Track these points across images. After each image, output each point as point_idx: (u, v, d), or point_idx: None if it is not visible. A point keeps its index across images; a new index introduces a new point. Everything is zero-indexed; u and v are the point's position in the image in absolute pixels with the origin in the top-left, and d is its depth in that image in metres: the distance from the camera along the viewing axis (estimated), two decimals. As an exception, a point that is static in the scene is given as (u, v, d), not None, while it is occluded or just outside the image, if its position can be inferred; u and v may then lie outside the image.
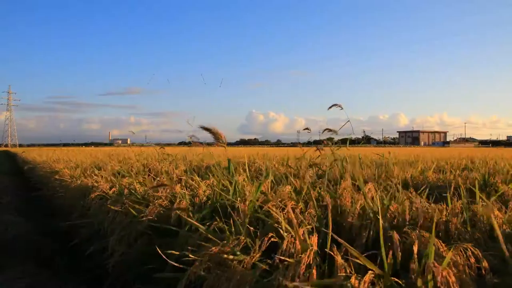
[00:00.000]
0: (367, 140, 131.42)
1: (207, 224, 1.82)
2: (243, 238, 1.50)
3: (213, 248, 1.44)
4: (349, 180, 2.68)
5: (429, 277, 1.10)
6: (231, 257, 1.38)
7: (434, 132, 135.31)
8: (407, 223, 1.87)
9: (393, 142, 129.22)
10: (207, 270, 1.42)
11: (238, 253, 1.41)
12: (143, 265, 1.95)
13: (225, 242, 1.47)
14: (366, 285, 1.02)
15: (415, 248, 1.25)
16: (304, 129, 4.95)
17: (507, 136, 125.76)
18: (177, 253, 1.54)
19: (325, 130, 4.43)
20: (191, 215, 1.91)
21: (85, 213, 3.07)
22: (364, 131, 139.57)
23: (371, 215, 1.92)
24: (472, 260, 1.31)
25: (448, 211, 2.05)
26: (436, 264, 1.11)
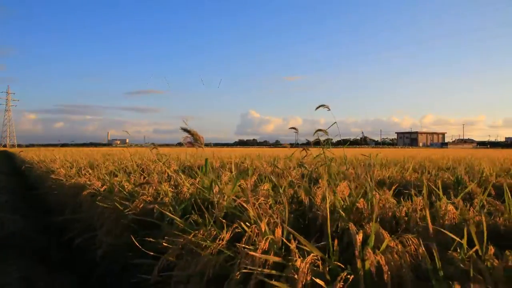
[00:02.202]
0: (365, 141, 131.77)
1: (186, 217, 2.00)
2: (213, 229, 1.67)
3: (186, 237, 1.62)
4: (325, 180, 2.86)
5: (366, 260, 1.28)
6: (202, 244, 1.55)
7: (433, 133, 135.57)
8: (367, 217, 2.05)
9: (392, 143, 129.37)
10: (179, 257, 1.60)
11: (209, 241, 1.58)
12: (128, 255, 2.12)
13: (197, 232, 1.64)
14: (307, 265, 1.20)
15: (359, 237, 1.42)
16: (291, 128, 5.12)
17: (506, 138, 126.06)
18: (154, 241, 1.71)
19: (316, 131, 4.62)
20: (171, 209, 2.09)
21: (77, 209, 3.24)
22: (362, 132, 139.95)
23: (338, 210, 2.10)
24: (413, 248, 1.48)
25: (411, 207, 2.24)
26: (370, 250, 1.28)
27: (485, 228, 1.38)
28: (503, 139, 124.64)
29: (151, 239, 1.78)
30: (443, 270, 1.37)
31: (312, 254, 1.26)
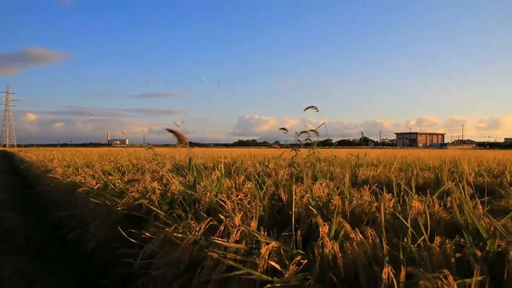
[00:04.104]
0: (365, 141, 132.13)
1: (170, 212, 2.16)
2: (192, 222, 1.83)
3: (167, 229, 1.78)
4: (307, 179, 3.02)
5: (323, 248, 1.44)
6: (179, 235, 1.71)
7: (432, 134, 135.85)
8: (340, 212, 2.21)
9: (391, 144, 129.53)
10: (161, 247, 1.76)
11: (187, 232, 1.74)
12: (118, 247, 2.28)
13: (177, 225, 1.80)
14: (267, 252, 1.35)
15: (323, 229, 1.58)
16: (281, 129, 5.30)
17: (505, 138, 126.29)
18: (140, 233, 1.87)
19: (301, 132, 4.81)
20: (158, 205, 2.25)
21: (72, 206, 3.40)
22: (362, 133, 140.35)
23: (312, 206, 2.27)
24: (370, 239, 1.64)
25: (382, 204, 2.39)
26: (327, 239, 1.44)
27: (426, 221, 1.54)
28: (502, 140, 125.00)
29: (136, 231, 1.94)
30: (391, 256, 1.53)
31: (272, 243, 1.41)
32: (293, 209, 1.82)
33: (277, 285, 1.24)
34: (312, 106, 4.52)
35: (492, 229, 1.45)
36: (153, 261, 1.70)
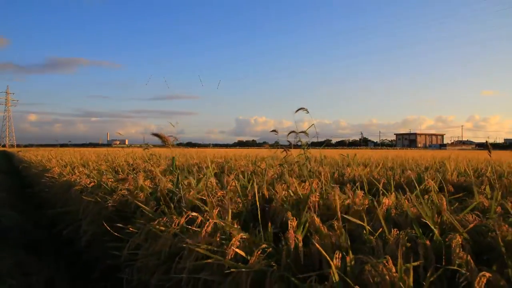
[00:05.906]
0: (365, 142, 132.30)
1: (156, 208, 2.30)
2: (175, 216, 1.98)
3: (150, 223, 1.92)
4: (289, 178, 3.18)
5: (289, 239, 1.58)
6: (162, 228, 1.86)
7: (431, 135, 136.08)
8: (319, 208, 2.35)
9: (391, 145, 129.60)
10: (145, 240, 1.90)
11: (168, 226, 1.89)
12: (108, 240, 2.43)
13: (160, 219, 1.95)
14: (236, 242, 1.50)
15: (290, 223, 1.73)
16: (272, 131, 5.43)
17: (504, 139, 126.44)
18: (124, 228, 2.02)
19: (290, 132, 4.96)
20: (145, 202, 2.39)
21: (68, 204, 3.54)
22: (361, 133, 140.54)
23: (289, 203, 2.41)
24: (338, 231, 1.79)
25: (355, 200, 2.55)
26: (292, 232, 1.59)
27: (381, 216, 1.68)
28: (502, 141, 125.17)
29: (124, 226, 2.09)
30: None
31: (241, 234, 1.56)
32: (258, 204, 1.96)
33: (242, 270, 1.39)
34: (302, 108, 4.68)
35: (439, 221, 1.59)
36: (138, 253, 1.85)
